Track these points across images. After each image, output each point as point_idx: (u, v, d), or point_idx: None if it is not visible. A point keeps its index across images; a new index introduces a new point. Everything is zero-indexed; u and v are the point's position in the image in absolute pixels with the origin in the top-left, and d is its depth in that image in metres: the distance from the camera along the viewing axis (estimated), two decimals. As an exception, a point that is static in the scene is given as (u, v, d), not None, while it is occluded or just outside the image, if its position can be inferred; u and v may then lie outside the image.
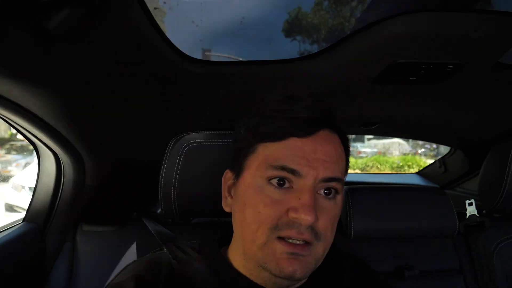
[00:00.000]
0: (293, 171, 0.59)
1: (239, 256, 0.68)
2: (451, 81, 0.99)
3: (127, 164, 1.13)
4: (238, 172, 0.68)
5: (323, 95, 1.05)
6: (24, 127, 0.81)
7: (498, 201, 1.18)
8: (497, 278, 1.13)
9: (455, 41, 0.80)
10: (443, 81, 0.99)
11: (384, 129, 1.49)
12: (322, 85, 0.99)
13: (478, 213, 1.23)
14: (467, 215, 1.21)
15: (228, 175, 0.72)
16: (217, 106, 1.05)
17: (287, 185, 0.61)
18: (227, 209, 0.71)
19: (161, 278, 0.66)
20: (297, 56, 0.94)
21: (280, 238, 0.59)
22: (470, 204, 1.23)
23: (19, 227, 0.98)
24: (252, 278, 0.66)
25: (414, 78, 0.97)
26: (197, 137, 0.94)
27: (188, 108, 1.02)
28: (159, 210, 1.47)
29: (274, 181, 0.61)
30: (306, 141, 0.61)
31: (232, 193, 0.70)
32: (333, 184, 0.62)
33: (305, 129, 0.61)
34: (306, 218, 0.57)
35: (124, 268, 0.71)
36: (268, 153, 0.62)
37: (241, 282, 0.66)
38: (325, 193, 0.62)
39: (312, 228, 0.59)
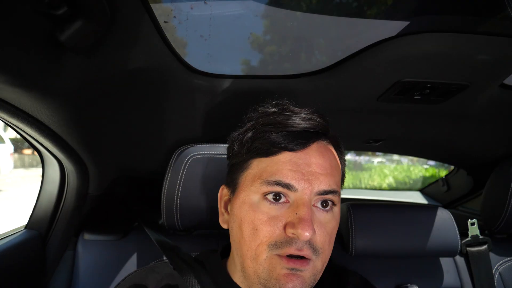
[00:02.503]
0: (288, 186, 0.59)
1: (237, 272, 0.68)
2: (455, 101, 0.99)
3: (130, 174, 1.13)
4: (233, 188, 0.67)
5: (328, 112, 1.06)
6: (31, 134, 0.82)
7: (501, 222, 1.18)
8: None
9: (460, 62, 0.81)
10: (447, 101, 0.99)
11: (387, 146, 1.49)
12: (327, 101, 1.00)
13: (480, 233, 1.22)
14: (469, 235, 1.21)
15: (224, 191, 0.72)
16: (222, 119, 1.05)
17: (283, 199, 0.60)
18: (224, 226, 0.70)
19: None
20: (303, 72, 0.95)
21: (279, 255, 0.59)
22: (473, 224, 1.23)
23: (20, 234, 0.98)
24: None
25: (419, 97, 0.97)
26: (201, 149, 0.94)
27: (194, 120, 1.03)
28: (161, 221, 1.47)
29: (270, 197, 0.60)
30: (299, 155, 0.61)
31: (228, 209, 0.69)
32: (329, 196, 0.61)
33: (297, 142, 0.61)
34: (304, 233, 0.56)
35: (125, 278, 0.71)
36: (262, 168, 0.62)
37: None
38: (322, 206, 0.62)
39: (310, 243, 0.59)
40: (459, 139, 1.31)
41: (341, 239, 1.11)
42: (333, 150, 0.67)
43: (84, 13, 0.54)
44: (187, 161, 0.93)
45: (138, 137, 0.99)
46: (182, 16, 0.80)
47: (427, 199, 2.38)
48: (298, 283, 0.59)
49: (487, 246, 1.19)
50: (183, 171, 0.92)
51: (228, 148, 0.71)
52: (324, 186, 0.60)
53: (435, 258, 1.16)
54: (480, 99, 1.00)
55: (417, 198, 2.44)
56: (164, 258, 0.99)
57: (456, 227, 1.08)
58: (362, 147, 1.62)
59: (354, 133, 1.29)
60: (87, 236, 1.06)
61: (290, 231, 0.58)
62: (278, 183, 0.59)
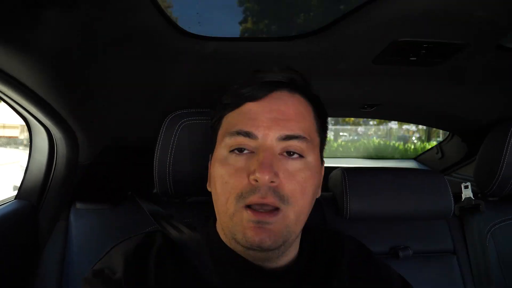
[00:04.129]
0: (247, 134, 0.59)
1: (221, 231, 0.68)
2: (451, 64, 0.97)
3: (120, 142, 1.11)
4: (212, 149, 0.68)
5: (323, 75, 1.04)
6: (15, 99, 0.79)
7: (494, 184, 1.19)
8: (489, 259, 1.14)
9: (458, 19, 0.79)
10: (443, 63, 0.97)
11: (382, 112, 1.48)
12: (322, 64, 0.98)
13: (473, 196, 1.23)
14: (463, 198, 1.22)
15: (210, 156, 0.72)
16: (214, 84, 1.03)
17: (246, 151, 0.60)
18: (209, 189, 0.70)
19: (152, 255, 0.65)
20: (295, 34, 0.91)
21: (247, 207, 0.58)
22: (466, 187, 1.23)
23: (10, 204, 0.97)
24: (242, 254, 0.65)
25: (415, 58, 0.95)
26: (192, 115, 0.92)
27: (184, 85, 1.00)
28: (154, 190, 1.46)
29: (235, 150, 0.61)
30: (260, 103, 0.62)
31: None
32: (294, 142, 0.60)
33: (258, 92, 0.62)
34: (263, 177, 0.55)
35: (115, 245, 0.70)
36: (227, 122, 0.64)
37: (237, 261, 0.65)
38: (288, 154, 0.61)
39: (275, 191, 0.58)
40: (454, 103, 1.30)
41: (336, 204, 1.11)
42: (303, 100, 0.66)
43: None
44: (178, 127, 0.91)
45: (127, 103, 0.97)
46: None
47: (421, 167, 2.40)
48: (266, 236, 0.57)
49: (480, 208, 1.20)
50: (174, 137, 0.91)
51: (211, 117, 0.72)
52: (286, 131, 0.59)
53: (429, 221, 1.17)
54: (477, 61, 0.98)
55: (412, 166, 2.46)
56: (156, 226, 0.98)
57: (450, 190, 1.08)
58: (357, 113, 1.61)
59: (349, 98, 1.28)
60: (79, 206, 1.05)
61: (252, 178, 0.57)
62: (239, 132, 0.60)
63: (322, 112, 0.70)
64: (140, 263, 0.64)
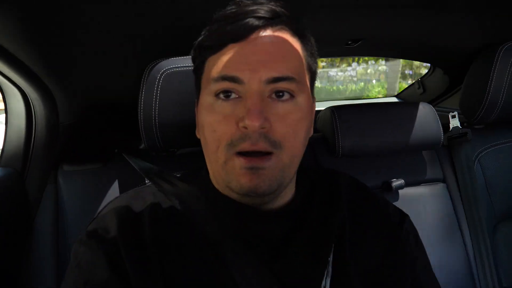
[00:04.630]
0: (233, 79, 0.55)
1: (213, 179, 0.66)
2: None
3: (102, 99, 1.07)
4: (197, 95, 0.64)
5: (310, 9, 0.99)
6: None
7: (480, 111, 1.20)
8: (477, 185, 1.18)
9: None
10: None
11: (366, 48, 1.45)
12: None
13: (460, 125, 1.25)
14: (451, 128, 1.24)
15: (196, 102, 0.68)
16: (194, 26, 0.97)
17: (234, 95, 0.57)
18: (198, 136, 0.67)
19: (146, 211, 0.64)
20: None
21: (239, 154, 0.56)
22: (453, 117, 1.25)
23: None
24: (237, 200, 0.64)
25: (400, -15, 0.91)
26: (174, 63, 0.88)
27: (160, 30, 0.94)
28: (142, 146, 1.44)
29: (221, 95, 0.57)
30: (244, 45, 0.56)
31: None
32: (283, 84, 0.57)
33: (241, 31, 0.56)
34: (252, 124, 0.53)
35: (108, 204, 0.68)
36: (211, 66, 0.59)
37: (232, 207, 0.64)
38: (278, 96, 0.58)
39: (266, 136, 0.55)
40: (438, 33, 1.28)
41: (327, 143, 1.11)
42: (290, 37, 0.61)
43: None
44: (160, 76, 0.86)
45: (103, 55, 0.91)
46: None
47: None
48: (261, 181, 0.56)
49: (467, 136, 1.23)
50: (157, 87, 0.87)
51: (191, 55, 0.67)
52: (274, 73, 0.56)
53: (418, 153, 1.19)
54: None
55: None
56: (148, 181, 0.97)
57: (438, 120, 1.09)
58: (342, 51, 1.58)
59: (334, 34, 1.24)
60: (66, 168, 1.02)
61: (241, 125, 0.55)
62: (224, 78, 0.56)
63: (311, 45, 0.66)
64: (134, 220, 0.62)
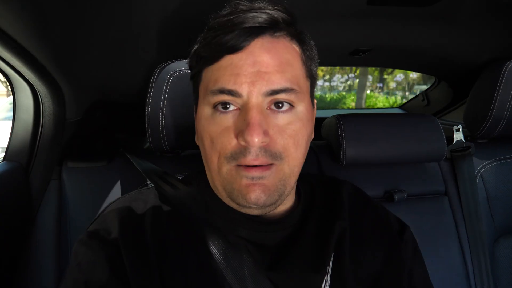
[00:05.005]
0: (231, 92, 0.54)
1: (213, 186, 0.66)
2: (446, 1, 0.95)
3: (109, 97, 1.07)
4: (195, 103, 0.64)
5: (311, 17, 1.00)
6: None
7: (484, 126, 1.21)
8: (478, 199, 1.18)
9: None
10: (439, 1, 0.95)
11: (372, 58, 1.46)
12: (313, 4, 0.93)
13: (464, 139, 1.26)
14: (454, 141, 1.24)
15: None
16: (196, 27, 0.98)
17: (232, 107, 0.56)
18: (197, 142, 0.67)
19: (148, 213, 0.64)
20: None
21: (239, 165, 0.56)
22: (458, 130, 1.25)
23: None
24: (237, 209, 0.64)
25: (411, -3, 0.92)
26: (184, 65, 0.88)
27: (172, 33, 0.95)
28: (146, 145, 1.44)
29: (220, 107, 0.56)
30: (240, 56, 0.55)
31: None
32: (282, 96, 0.56)
33: (238, 41, 0.55)
34: (252, 139, 0.52)
35: (109, 204, 0.68)
36: (208, 77, 0.58)
37: (233, 213, 0.64)
38: (277, 107, 0.57)
39: (266, 150, 0.55)
40: (445, 46, 1.29)
41: (331, 151, 1.11)
42: (289, 43, 0.59)
43: None
44: (169, 78, 0.87)
45: (113, 54, 0.92)
46: None
47: None
48: (260, 192, 0.56)
49: (471, 150, 1.23)
50: (166, 89, 0.87)
51: (188, 62, 0.66)
52: (272, 86, 0.55)
53: (421, 164, 1.19)
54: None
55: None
56: (149, 182, 0.97)
57: (443, 132, 1.10)
58: (347, 61, 1.58)
59: (341, 43, 1.25)
60: (71, 164, 1.02)
61: (240, 140, 0.54)
62: (222, 91, 0.55)
63: (310, 49, 0.64)
64: (135, 222, 0.62)
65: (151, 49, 0.96)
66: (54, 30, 0.71)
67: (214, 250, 0.62)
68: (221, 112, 0.56)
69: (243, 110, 0.55)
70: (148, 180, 0.81)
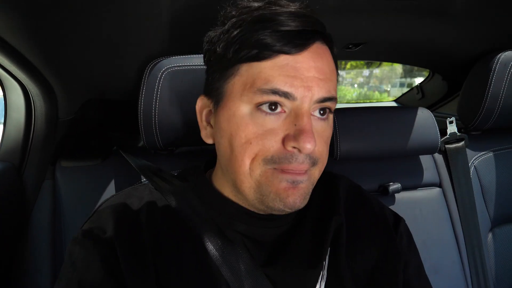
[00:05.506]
0: (286, 94, 0.52)
1: (228, 187, 0.64)
2: None
3: (102, 95, 1.07)
4: (217, 98, 0.60)
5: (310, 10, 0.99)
6: None
7: (478, 118, 1.21)
8: (472, 190, 1.19)
9: None
10: None
11: (367, 52, 1.46)
12: None
13: (457, 131, 1.26)
14: (448, 133, 1.25)
15: (203, 102, 0.64)
16: (195, 25, 0.97)
17: (278, 109, 0.54)
18: (208, 141, 0.64)
19: (143, 210, 0.63)
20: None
21: (276, 169, 0.55)
22: (451, 123, 1.26)
23: None
24: (243, 204, 0.63)
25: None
26: (175, 61, 0.88)
27: (160, 28, 0.94)
28: (140, 143, 1.43)
29: (264, 107, 0.54)
30: (297, 58, 0.53)
31: (211, 122, 0.63)
32: (328, 104, 0.56)
33: (295, 44, 0.53)
34: (306, 146, 0.51)
35: (104, 202, 0.67)
36: (253, 75, 0.54)
37: (232, 208, 0.64)
38: (320, 114, 0.57)
39: (310, 157, 0.55)
40: (438, 39, 1.29)
41: None
42: (328, 50, 0.59)
43: None
44: (161, 75, 0.87)
45: (103, 51, 0.91)
46: None
47: None
48: (298, 196, 0.56)
49: (464, 142, 1.24)
50: (158, 86, 0.87)
51: (208, 52, 0.61)
52: (323, 93, 0.54)
53: (415, 157, 1.20)
54: None
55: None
56: (144, 179, 0.96)
57: (436, 125, 1.10)
58: (340, 55, 1.58)
59: (336, 37, 1.24)
60: (64, 163, 1.02)
61: (290, 145, 0.53)
62: (275, 92, 0.52)
63: (337, 63, 0.64)
64: (130, 220, 0.62)
65: (143, 46, 0.95)
66: (44, 29, 0.70)
67: (210, 245, 0.61)
68: (267, 113, 0.54)
69: (293, 114, 0.54)
70: (142, 177, 0.81)
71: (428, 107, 2.08)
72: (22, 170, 0.99)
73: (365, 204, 0.76)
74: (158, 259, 0.59)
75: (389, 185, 1.10)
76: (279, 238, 0.65)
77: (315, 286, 0.63)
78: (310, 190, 0.60)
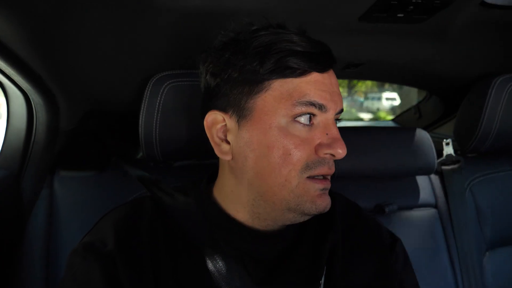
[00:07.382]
0: (321, 107, 0.59)
1: (240, 204, 0.64)
2: (436, 20, 0.97)
3: (103, 106, 1.08)
4: (243, 113, 0.60)
5: (308, 33, 1.01)
6: None
7: (474, 141, 1.23)
8: (468, 212, 1.19)
9: None
10: (428, 19, 0.97)
11: (365, 72, 1.48)
12: (304, 20, 0.95)
13: (454, 152, 1.27)
14: (444, 155, 1.26)
15: (214, 117, 0.64)
16: (197, 42, 0.99)
17: (311, 121, 0.61)
18: (226, 157, 0.64)
19: (144, 224, 0.64)
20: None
21: (309, 177, 0.60)
22: (447, 144, 1.27)
23: None
24: (246, 222, 0.65)
25: (402, 15, 0.94)
26: (178, 76, 0.89)
27: (165, 43, 0.96)
28: (139, 155, 1.43)
29: (302, 119, 0.59)
30: (325, 76, 0.61)
31: (230, 138, 0.63)
32: (339, 115, 0.64)
33: (324, 63, 0.61)
34: (341, 152, 0.59)
35: (105, 215, 0.68)
36: (290, 89, 0.58)
37: (232, 225, 0.65)
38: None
39: (335, 161, 0.62)
40: (436, 62, 1.31)
41: None
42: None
43: None
44: (163, 89, 0.88)
45: (106, 63, 0.92)
46: None
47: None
48: (328, 202, 0.62)
49: (460, 164, 1.25)
50: (160, 99, 0.88)
51: (229, 67, 0.61)
52: (340, 106, 0.62)
53: (412, 178, 1.20)
54: (460, 17, 0.98)
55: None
56: (143, 191, 0.96)
57: (433, 146, 1.11)
58: (339, 75, 1.60)
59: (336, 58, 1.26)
60: (63, 173, 1.02)
61: (324, 152, 0.59)
62: (312, 104, 0.58)
63: None
64: (132, 234, 0.62)
65: (146, 59, 0.97)
66: (49, 40, 0.72)
67: (209, 261, 0.62)
68: (303, 125, 0.59)
69: (323, 124, 0.60)
70: (143, 188, 0.81)
71: (425, 127, 2.10)
72: (20, 178, 0.99)
73: (362, 223, 0.77)
74: (157, 273, 0.59)
75: (385, 205, 1.10)
76: (277, 256, 0.65)
77: None
78: None
